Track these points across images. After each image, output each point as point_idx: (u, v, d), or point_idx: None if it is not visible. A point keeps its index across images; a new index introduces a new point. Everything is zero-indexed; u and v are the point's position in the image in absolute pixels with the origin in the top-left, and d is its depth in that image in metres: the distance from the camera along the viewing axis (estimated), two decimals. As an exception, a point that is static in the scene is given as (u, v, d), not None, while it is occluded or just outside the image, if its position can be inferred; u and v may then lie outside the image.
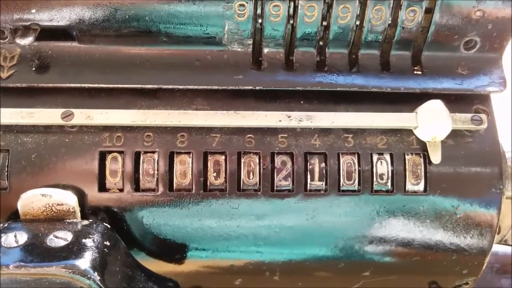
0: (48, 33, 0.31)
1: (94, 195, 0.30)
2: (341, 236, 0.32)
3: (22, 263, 0.25)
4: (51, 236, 0.27)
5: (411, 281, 0.35)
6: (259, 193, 0.31)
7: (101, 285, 0.26)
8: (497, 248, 0.41)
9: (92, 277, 0.26)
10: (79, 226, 0.28)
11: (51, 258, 0.26)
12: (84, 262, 0.26)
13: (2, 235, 0.27)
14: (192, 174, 0.30)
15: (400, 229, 0.32)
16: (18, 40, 0.30)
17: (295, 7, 0.30)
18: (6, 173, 0.30)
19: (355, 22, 0.31)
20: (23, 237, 0.27)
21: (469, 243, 0.32)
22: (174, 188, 0.30)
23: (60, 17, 0.30)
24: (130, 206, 0.30)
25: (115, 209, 0.30)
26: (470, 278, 0.34)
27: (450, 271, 0.34)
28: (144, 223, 0.31)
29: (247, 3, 0.30)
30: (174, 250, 0.32)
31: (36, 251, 0.26)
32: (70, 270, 0.25)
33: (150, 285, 0.30)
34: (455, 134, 0.31)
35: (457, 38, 0.32)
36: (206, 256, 0.32)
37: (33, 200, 0.29)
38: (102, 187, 0.30)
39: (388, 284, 0.35)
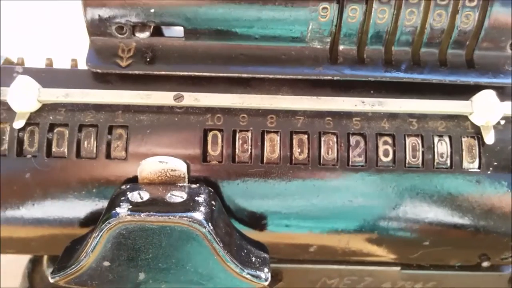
0: (156, 30, 0.36)
1: (197, 165, 0.34)
2: (406, 208, 0.35)
3: (151, 213, 0.29)
4: (169, 194, 0.31)
5: (463, 254, 0.38)
6: (337, 167, 0.34)
7: (213, 234, 0.29)
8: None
9: (207, 226, 0.29)
10: (190, 188, 0.32)
11: (173, 210, 0.30)
12: (200, 214, 0.30)
13: (128, 193, 0.31)
14: (280, 150, 0.34)
15: (458, 203, 0.35)
16: (137, 34, 0.34)
17: (369, 11, 0.34)
18: (125, 145, 0.34)
19: (419, 24, 0.35)
20: (146, 195, 0.31)
21: None
22: (264, 161, 0.34)
23: (172, 17, 0.34)
24: (226, 176, 0.34)
25: (213, 178, 0.34)
26: None
27: (498, 243, 0.37)
28: (237, 192, 0.34)
29: (329, 6, 0.34)
30: (260, 219, 0.35)
31: (159, 205, 0.30)
32: (190, 219, 0.29)
33: (245, 243, 0.33)
34: (504, 119, 0.35)
35: (504, 40, 0.35)
36: (287, 224, 0.36)
37: (151, 165, 0.32)
38: (204, 159, 0.34)
39: (442, 255, 0.38)
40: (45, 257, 0.42)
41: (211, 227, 0.29)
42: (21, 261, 0.46)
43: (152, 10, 0.34)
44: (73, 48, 0.42)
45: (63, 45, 0.50)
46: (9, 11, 0.68)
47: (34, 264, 0.43)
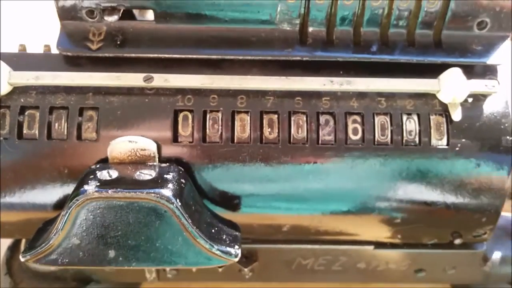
0: (127, 14, 0.36)
1: (168, 146, 0.33)
2: (377, 185, 0.35)
3: (119, 190, 0.29)
4: (138, 173, 0.31)
5: (435, 231, 0.38)
6: (307, 146, 0.34)
7: (181, 210, 0.29)
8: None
9: (175, 202, 0.29)
10: (160, 167, 0.32)
11: (141, 187, 0.30)
12: (168, 191, 0.30)
13: (97, 172, 0.31)
14: (250, 130, 0.34)
15: (426, 181, 0.35)
16: (106, 18, 0.35)
17: None
18: (96, 127, 0.34)
19: (386, 6, 0.35)
20: (114, 173, 0.31)
21: (486, 191, 0.35)
22: (235, 141, 0.34)
23: (142, 0, 0.34)
24: (197, 156, 0.34)
25: (184, 159, 0.34)
26: (488, 227, 0.37)
27: (470, 220, 0.37)
28: (208, 172, 0.34)
29: None
30: (231, 199, 0.35)
31: (128, 182, 0.30)
32: (157, 195, 0.29)
33: (215, 222, 0.33)
34: (471, 97, 0.35)
35: (471, 19, 0.35)
36: (259, 204, 0.36)
37: (121, 145, 0.32)
38: (175, 139, 0.34)
39: (414, 233, 0.38)
40: (23, 243, 0.42)
41: (179, 203, 0.29)
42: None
43: None
44: (47, 34, 0.42)
45: (38, 32, 0.50)
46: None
47: (12, 251, 0.43)
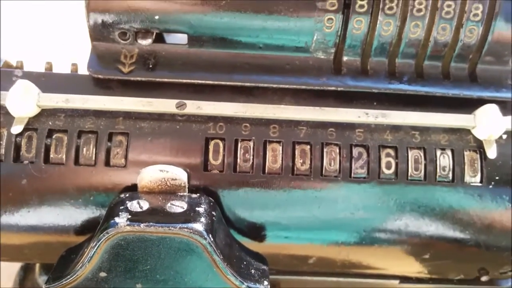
0: (158, 36, 0.35)
1: (197, 175, 0.32)
2: (408, 220, 0.33)
3: (151, 223, 0.27)
4: (169, 204, 0.29)
5: (462, 267, 0.37)
6: (339, 178, 0.33)
7: (213, 246, 0.28)
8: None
9: (207, 238, 0.28)
10: (191, 198, 0.31)
11: (173, 221, 0.28)
12: (200, 225, 0.28)
13: (127, 202, 0.29)
14: (282, 160, 0.33)
15: (459, 217, 0.34)
16: (140, 41, 0.33)
17: (374, 22, 0.33)
18: (125, 153, 0.32)
19: (423, 37, 0.34)
20: (145, 204, 0.29)
21: None
22: (266, 171, 0.33)
23: (177, 24, 0.33)
24: (227, 186, 0.32)
25: (214, 188, 0.32)
26: None
27: (498, 258, 0.36)
28: (237, 202, 0.33)
29: (335, 17, 0.33)
30: (259, 229, 0.34)
31: (159, 215, 0.29)
32: (191, 231, 0.27)
33: (244, 255, 0.32)
34: (506, 133, 0.34)
35: (507, 54, 0.34)
36: (287, 236, 0.34)
37: (151, 174, 0.31)
38: (205, 168, 0.32)
39: (441, 269, 0.37)
40: (37, 265, 0.41)
41: (212, 239, 0.28)
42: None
43: (157, 17, 0.32)
44: (74, 52, 0.41)
45: (64, 49, 0.48)
46: (9, 11, 0.66)
47: (26, 271, 0.41)
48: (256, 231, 0.34)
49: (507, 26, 0.33)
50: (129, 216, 0.28)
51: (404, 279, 0.38)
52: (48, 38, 0.62)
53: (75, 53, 0.40)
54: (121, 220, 0.27)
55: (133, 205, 0.29)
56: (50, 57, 0.38)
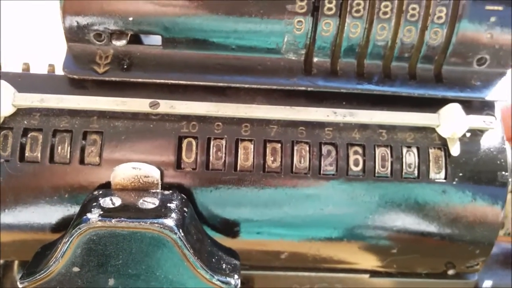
0: (133, 38, 0.35)
1: (171, 172, 0.33)
2: (375, 216, 0.35)
3: (122, 219, 0.28)
4: (141, 201, 0.30)
5: (429, 262, 0.38)
6: (309, 175, 0.34)
7: (184, 240, 0.29)
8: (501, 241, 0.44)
9: (178, 233, 0.29)
10: (163, 195, 0.31)
11: (144, 216, 0.29)
12: (171, 221, 0.29)
13: (100, 199, 0.30)
14: (253, 158, 0.34)
15: (425, 212, 0.35)
16: (114, 42, 0.34)
17: (343, 25, 0.34)
18: (99, 151, 0.33)
19: (390, 39, 0.35)
20: (118, 201, 0.30)
21: (481, 224, 0.35)
22: (238, 169, 0.34)
23: (150, 26, 0.33)
24: (200, 183, 0.33)
25: (187, 185, 0.33)
26: (481, 258, 0.37)
27: (464, 252, 0.37)
28: (210, 199, 0.34)
29: (304, 19, 0.34)
30: (232, 225, 0.35)
31: (131, 211, 0.29)
32: (161, 226, 0.28)
33: (216, 250, 0.33)
34: (470, 132, 0.35)
35: (471, 55, 0.36)
36: (259, 232, 0.35)
37: (124, 171, 0.32)
38: (179, 166, 0.33)
39: (409, 263, 0.38)
40: (16, 263, 0.41)
41: (182, 234, 0.29)
42: None
43: (131, 19, 0.33)
44: (51, 53, 0.41)
45: (42, 49, 0.49)
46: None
47: (5, 269, 0.42)
48: (229, 228, 0.35)
49: (471, 27, 0.35)
50: (101, 212, 0.29)
51: (374, 273, 0.39)
52: (27, 38, 0.62)
53: (52, 53, 0.41)
54: (93, 216, 0.28)
55: (106, 202, 0.29)
56: (28, 58, 0.39)
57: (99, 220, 0.28)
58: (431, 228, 0.36)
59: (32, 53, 0.46)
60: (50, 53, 0.43)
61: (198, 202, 0.34)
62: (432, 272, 0.39)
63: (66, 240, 0.28)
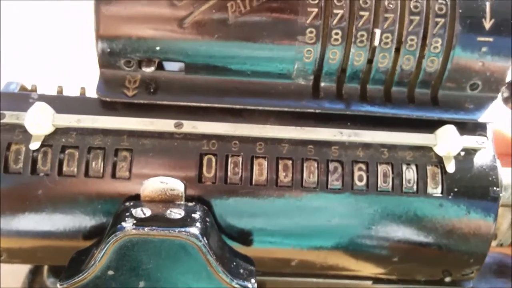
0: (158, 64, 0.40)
1: (193, 186, 0.37)
2: (378, 227, 0.38)
3: (154, 228, 0.32)
4: (168, 211, 0.34)
5: (427, 269, 0.42)
6: (317, 189, 0.38)
7: (207, 247, 0.33)
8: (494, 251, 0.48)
9: (202, 240, 0.33)
10: (187, 206, 0.35)
11: (172, 225, 0.33)
12: (196, 229, 0.33)
13: (132, 209, 0.34)
14: (267, 173, 0.38)
15: (423, 224, 0.39)
16: (144, 69, 0.38)
17: (348, 53, 0.38)
18: (129, 166, 0.37)
19: (391, 66, 0.39)
20: (148, 211, 0.34)
21: (475, 235, 0.39)
22: (253, 183, 0.38)
23: (175, 54, 0.38)
24: (219, 195, 0.37)
25: (207, 198, 0.37)
26: (475, 267, 0.41)
27: (459, 261, 0.40)
28: (228, 210, 0.37)
29: (313, 48, 0.38)
30: (247, 235, 0.39)
31: (160, 220, 0.33)
32: (188, 234, 0.32)
33: (233, 256, 0.36)
34: (464, 151, 0.39)
35: (464, 81, 0.40)
36: (271, 241, 0.39)
37: (153, 185, 0.36)
38: (200, 180, 0.37)
39: (409, 271, 0.41)
40: (45, 268, 0.45)
41: (206, 241, 0.33)
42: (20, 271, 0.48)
43: (158, 48, 0.37)
44: (81, 76, 0.46)
45: (71, 73, 0.53)
46: (12, 36, 0.71)
47: (34, 274, 0.45)
48: (244, 236, 0.39)
49: (464, 57, 0.39)
50: (134, 221, 0.32)
51: (377, 280, 0.42)
52: (56, 62, 0.67)
53: (82, 77, 0.45)
54: (128, 224, 0.32)
55: (137, 212, 0.33)
56: (59, 81, 0.43)
57: (133, 228, 0.32)
58: (429, 238, 0.39)
59: (61, 76, 0.50)
60: (78, 77, 0.47)
61: (217, 213, 0.38)
62: (431, 279, 0.42)
63: (104, 245, 0.32)
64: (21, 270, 0.48)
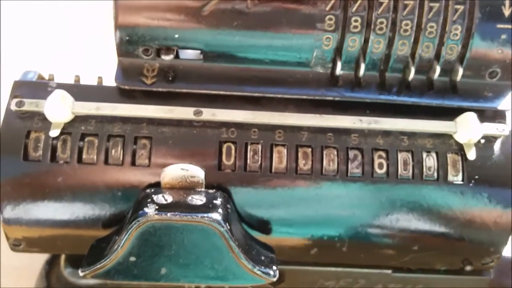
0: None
1: (212, 173, 0.37)
2: (398, 215, 0.38)
3: (177, 213, 0.32)
4: (190, 198, 0.34)
5: (447, 259, 0.42)
6: (337, 177, 0.38)
7: (229, 233, 0.33)
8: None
9: (224, 226, 0.33)
10: (208, 193, 0.36)
11: (195, 211, 0.33)
12: (218, 215, 0.33)
13: (153, 196, 0.34)
14: (286, 161, 0.38)
15: (443, 212, 0.39)
16: (163, 57, 0.38)
17: (367, 41, 0.38)
18: (148, 154, 0.37)
19: (410, 54, 0.39)
20: (169, 198, 0.34)
21: (495, 223, 0.39)
22: (273, 171, 0.38)
23: (194, 42, 0.38)
24: (238, 183, 0.37)
25: (227, 185, 0.37)
26: (495, 256, 0.41)
27: (480, 250, 0.40)
28: (247, 198, 0.38)
29: (332, 36, 0.38)
30: (266, 223, 0.39)
31: (182, 206, 0.33)
32: (210, 219, 0.32)
33: (254, 244, 0.37)
34: (484, 138, 0.39)
35: (484, 69, 0.40)
36: (291, 229, 0.39)
37: (173, 172, 0.36)
38: (219, 168, 0.37)
39: (429, 260, 0.41)
40: (62, 258, 0.45)
41: (228, 227, 0.33)
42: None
43: (177, 36, 0.38)
44: (96, 65, 0.46)
45: (87, 63, 0.53)
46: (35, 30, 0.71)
47: (51, 265, 0.46)
48: (263, 225, 0.39)
49: (483, 44, 0.39)
50: (156, 207, 0.33)
51: (396, 269, 0.42)
52: (72, 53, 0.67)
53: (97, 67, 0.45)
54: (150, 210, 0.32)
55: (159, 198, 0.33)
56: (76, 71, 0.43)
57: (156, 214, 0.32)
58: (449, 226, 0.39)
59: (75, 66, 0.50)
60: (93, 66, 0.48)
61: (236, 200, 0.38)
62: (450, 269, 0.42)
63: (125, 231, 0.32)
64: (22, 269, 0.49)
